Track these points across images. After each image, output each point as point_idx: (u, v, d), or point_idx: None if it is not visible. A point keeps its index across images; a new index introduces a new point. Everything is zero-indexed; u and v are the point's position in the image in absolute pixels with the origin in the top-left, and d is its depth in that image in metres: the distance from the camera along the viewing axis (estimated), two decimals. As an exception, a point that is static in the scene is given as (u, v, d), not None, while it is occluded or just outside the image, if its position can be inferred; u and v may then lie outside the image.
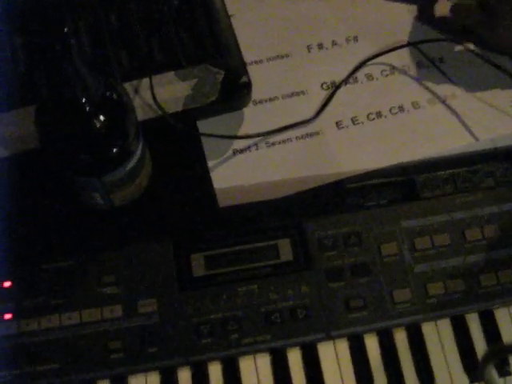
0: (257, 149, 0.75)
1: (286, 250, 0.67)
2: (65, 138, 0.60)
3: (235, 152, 0.75)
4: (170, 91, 0.72)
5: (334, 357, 0.65)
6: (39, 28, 0.54)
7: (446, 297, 0.66)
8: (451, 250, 0.68)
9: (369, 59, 0.80)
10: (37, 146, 0.68)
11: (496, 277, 0.67)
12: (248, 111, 0.77)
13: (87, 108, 0.57)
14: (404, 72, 0.80)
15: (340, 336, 0.65)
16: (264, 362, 0.65)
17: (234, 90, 0.73)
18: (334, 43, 0.82)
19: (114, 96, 0.60)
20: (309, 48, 0.81)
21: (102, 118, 0.58)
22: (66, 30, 0.52)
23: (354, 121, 0.77)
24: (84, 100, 0.56)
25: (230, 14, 0.78)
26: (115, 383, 0.63)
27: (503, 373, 0.65)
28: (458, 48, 0.81)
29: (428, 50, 0.81)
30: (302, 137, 0.76)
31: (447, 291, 0.66)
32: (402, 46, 0.81)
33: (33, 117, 0.62)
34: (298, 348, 0.65)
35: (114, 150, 0.61)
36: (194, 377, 0.64)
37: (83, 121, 0.58)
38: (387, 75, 0.80)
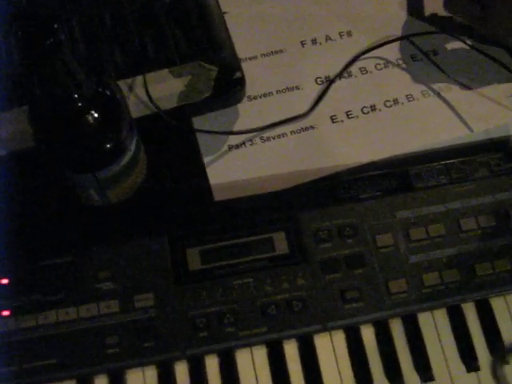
0: (252, 144, 0.76)
1: (281, 242, 0.67)
2: (58, 135, 0.60)
3: (230, 147, 0.75)
4: (164, 88, 0.73)
5: (331, 348, 0.65)
6: (30, 24, 0.55)
7: (442, 287, 0.66)
8: (446, 240, 0.68)
9: (362, 53, 0.81)
10: (32, 144, 0.68)
11: (491, 266, 0.67)
12: (242, 107, 0.77)
13: (79, 105, 0.58)
14: (398, 65, 0.81)
15: (336, 327, 0.65)
16: (260, 354, 0.65)
17: (228, 86, 0.73)
18: (327, 38, 0.82)
19: (107, 92, 0.61)
20: (302, 43, 0.82)
21: (94, 114, 0.59)
22: (56, 26, 0.53)
23: (348, 115, 0.77)
24: (76, 97, 0.57)
25: (223, 10, 0.79)
26: (112, 378, 0.64)
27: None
28: (452, 40, 0.81)
29: (422, 42, 0.81)
30: (297, 131, 0.76)
31: (443, 281, 0.66)
32: (395, 40, 0.81)
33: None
34: (294, 340, 0.66)
35: (108, 146, 0.62)
36: (191, 370, 0.64)
37: (76, 117, 0.59)
38: (381, 69, 0.80)
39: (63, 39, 0.52)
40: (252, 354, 0.65)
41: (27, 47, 0.54)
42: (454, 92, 0.79)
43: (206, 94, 0.72)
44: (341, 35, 0.82)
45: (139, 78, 0.72)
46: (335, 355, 0.65)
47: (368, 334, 0.66)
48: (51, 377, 0.63)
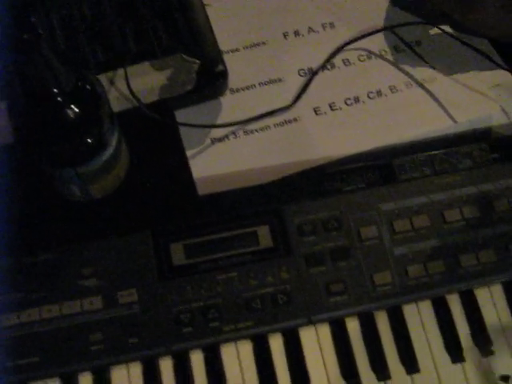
0: (235, 137, 0.75)
1: (265, 236, 0.67)
2: (38, 129, 0.59)
3: (213, 141, 0.75)
4: (145, 82, 0.72)
5: (316, 341, 0.65)
6: (8, 18, 0.54)
7: (427, 278, 0.66)
8: (431, 231, 0.67)
9: (345, 45, 0.80)
10: (12, 139, 0.67)
11: (476, 257, 0.66)
12: (225, 100, 0.77)
13: (59, 99, 0.57)
14: (381, 56, 0.80)
15: (321, 320, 0.65)
16: (246, 348, 0.65)
17: (211, 79, 0.73)
18: (310, 30, 0.82)
19: (87, 86, 0.60)
20: (285, 35, 0.81)
21: (74, 108, 0.58)
22: (33, 19, 0.52)
23: (331, 106, 0.77)
24: (55, 91, 0.56)
25: (205, 3, 0.78)
26: (97, 375, 0.63)
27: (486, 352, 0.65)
28: (435, 31, 0.81)
29: (405, 33, 0.81)
30: (280, 124, 0.76)
31: (428, 273, 0.66)
32: (378, 31, 0.81)
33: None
34: (279, 334, 0.65)
35: (88, 140, 0.61)
36: (175, 366, 0.64)
37: (56, 112, 0.58)
38: (364, 60, 0.80)
39: (41, 33, 0.52)
40: (237, 348, 0.65)
41: (5, 41, 0.54)
42: (437, 83, 0.79)
43: (188, 87, 0.72)
44: (323, 27, 0.82)
45: (120, 72, 0.72)
46: (320, 348, 0.65)
47: (353, 327, 0.66)
48: (35, 375, 0.62)
